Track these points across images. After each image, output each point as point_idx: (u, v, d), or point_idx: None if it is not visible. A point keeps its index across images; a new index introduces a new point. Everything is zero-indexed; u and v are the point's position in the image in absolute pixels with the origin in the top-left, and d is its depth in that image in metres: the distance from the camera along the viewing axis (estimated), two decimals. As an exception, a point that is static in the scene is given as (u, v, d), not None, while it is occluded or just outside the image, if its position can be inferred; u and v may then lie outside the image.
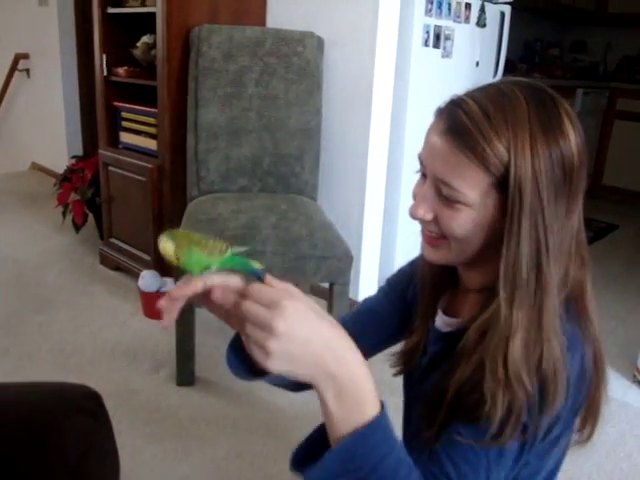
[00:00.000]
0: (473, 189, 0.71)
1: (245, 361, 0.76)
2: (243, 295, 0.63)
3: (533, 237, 0.69)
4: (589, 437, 0.78)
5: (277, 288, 0.62)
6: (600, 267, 3.44)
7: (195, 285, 0.67)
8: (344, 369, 0.61)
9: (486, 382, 0.70)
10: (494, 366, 0.69)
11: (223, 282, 0.67)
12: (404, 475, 0.63)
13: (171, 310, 0.67)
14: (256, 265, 0.72)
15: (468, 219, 0.73)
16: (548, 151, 0.68)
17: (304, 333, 0.59)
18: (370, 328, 0.99)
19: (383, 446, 0.62)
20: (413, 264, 0.98)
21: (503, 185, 0.69)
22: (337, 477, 0.61)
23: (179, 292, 0.66)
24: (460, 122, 0.70)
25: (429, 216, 0.76)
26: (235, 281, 0.67)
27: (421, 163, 0.77)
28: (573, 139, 0.70)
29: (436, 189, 0.74)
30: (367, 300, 1.04)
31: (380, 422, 0.62)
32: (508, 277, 0.70)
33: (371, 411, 0.62)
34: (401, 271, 1.01)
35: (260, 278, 0.66)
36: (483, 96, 0.72)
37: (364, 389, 0.62)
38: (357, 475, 0.61)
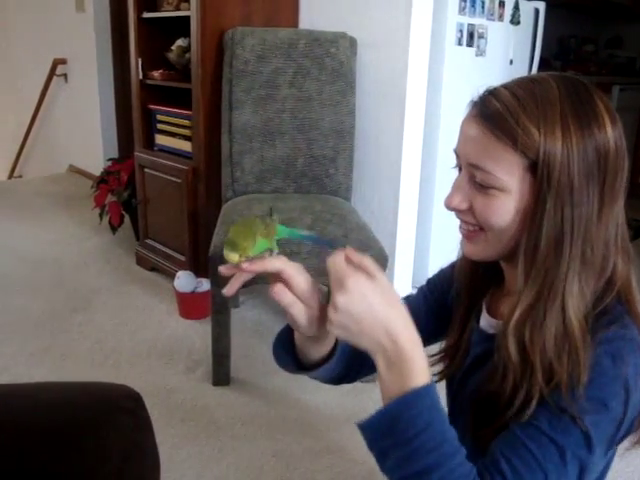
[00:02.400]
0: (506, 172, 0.71)
1: (292, 355, 0.85)
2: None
3: (558, 218, 0.69)
4: None
5: (349, 265, 0.67)
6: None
7: (266, 265, 0.71)
8: (394, 345, 0.66)
9: (497, 351, 0.74)
10: (504, 339, 0.73)
11: (288, 278, 0.72)
12: (450, 451, 0.65)
13: (234, 281, 0.73)
14: (305, 232, 0.76)
15: (503, 206, 0.72)
16: (580, 133, 0.68)
17: (358, 311, 0.66)
18: None
19: (428, 414, 0.65)
20: (454, 266, 0.97)
21: (536, 168, 0.70)
22: (384, 436, 0.66)
23: (251, 267, 0.70)
24: (491, 107, 0.72)
25: (464, 205, 0.76)
26: (299, 281, 0.72)
27: (457, 155, 0.78)
28: (609, 127, 0.70)
29: (470, 177, 0.75)
30: (404, 299, 1.04)
31: (426, 392, 0.66)
32: (528, 253, 0.72)
33: (418, 382, 0.66)
34: (442, 272, 1.00)
35: (332, 247, 0.73)
36: (514, 83, 0.74)
37: (412, 364, 0.66)
38: (402, 437, 0.65)
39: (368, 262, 0.67)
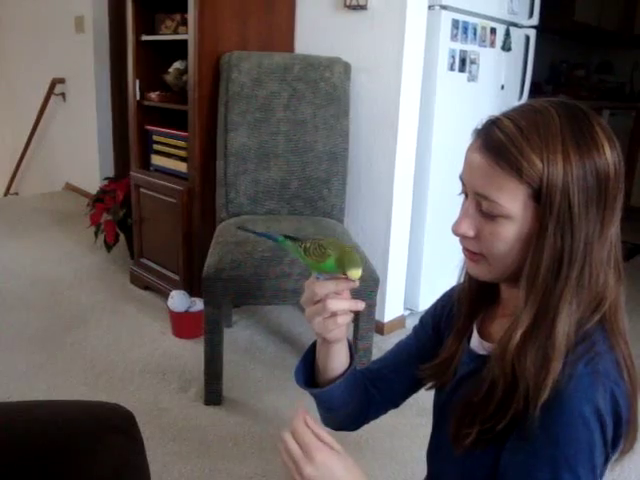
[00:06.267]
0: (511, 200, 0.73)
1: (306, 373, 0.98)
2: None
3: (558, 243, 0.72)
4: (629, 450, 0.77)
5: (318, 439, 0.74)
6: (628, 288, 3.38)
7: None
8: None
9: (491, 365, 0.77)
10: (499, 353, 0.76)
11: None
12: None
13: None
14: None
15: (509, 233, 0.75)
16: (581, 161, 0.71)
17: None
18: (400, 366, 1.03)
19: None
20: (445, 295, 1.01)
21: (540, 196, 0.72)
22: None
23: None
24: (495, 137, 0.74)
25: (471, 232, 0.78)
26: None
27: (462, 183, 0.80)
28: (608, 151, 0.72)
29: (477, 205, 0.77)
30: (399, 342, 1.08)
31: None
32: (530, 277, 0.74)
33: None
34: (434, 305, 1.04)
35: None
36: (516, 113, 0.75)
37: None
38: None
39: (329, 438, 0.74)
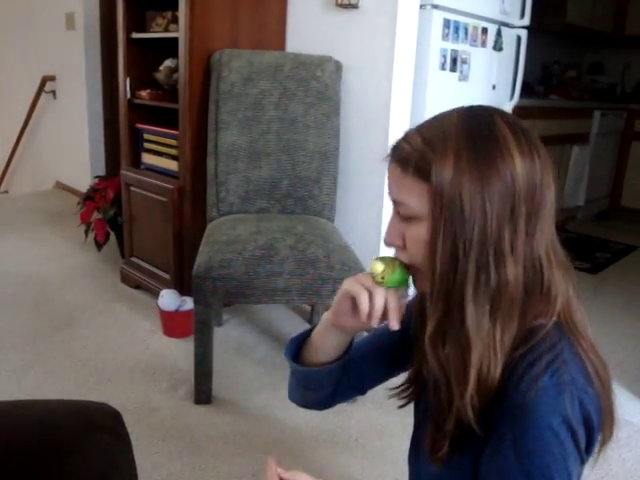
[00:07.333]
0: (415, 199, 0.76)
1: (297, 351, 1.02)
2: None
3: (450, 239, 0.73)
4: (609, 439, 0.78)
5: None
6: (618, 288, 3.41)
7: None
8: None
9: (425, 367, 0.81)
10: (427, 354, 0.79)
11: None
12: None
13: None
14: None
15: (422, 234, 0.77)
16: (474, 162, 0.72)
17: None
18: (372, 356, 1.06)
19: None
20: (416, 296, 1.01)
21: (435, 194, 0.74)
22: None
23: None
24: (403, 146, 0.79)
25: (399, 241, 0.81)
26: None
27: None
28: (518, 157, 0.73)
29: (397, 213, 0.81)
30: (374, 331, 1.08)
31: None
32: (431, 270, 0.76)
33: None
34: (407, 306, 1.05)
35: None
36: (424, 122, 0.80)
37: None
38: None
39: (302, 476, 0.75)
